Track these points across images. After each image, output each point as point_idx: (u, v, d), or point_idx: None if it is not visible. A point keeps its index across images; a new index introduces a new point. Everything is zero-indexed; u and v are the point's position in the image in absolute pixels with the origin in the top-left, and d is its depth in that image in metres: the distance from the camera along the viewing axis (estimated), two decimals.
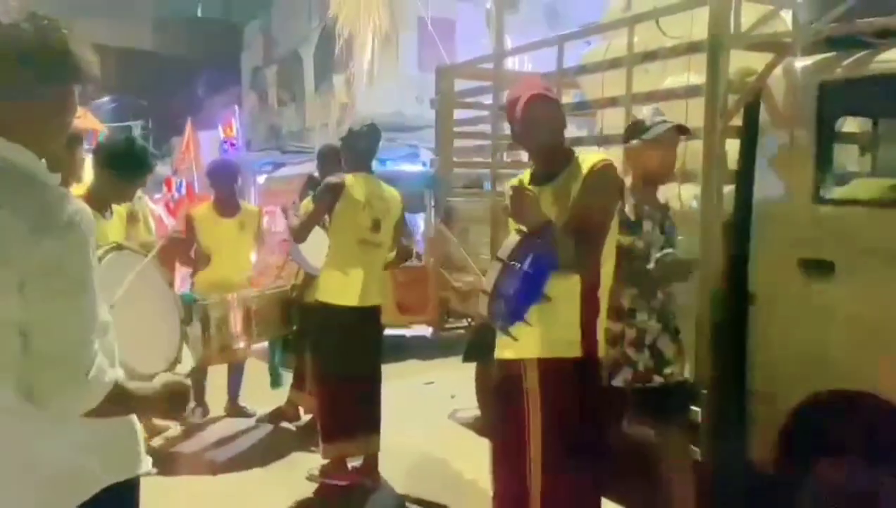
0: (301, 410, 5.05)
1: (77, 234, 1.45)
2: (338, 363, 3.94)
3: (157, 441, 4.67)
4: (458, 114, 5.04)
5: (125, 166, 3.10)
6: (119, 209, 3.20)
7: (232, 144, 16.52)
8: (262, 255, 6.12)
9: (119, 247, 2.29)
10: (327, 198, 3.85)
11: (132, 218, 3.87)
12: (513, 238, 2.34)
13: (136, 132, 21.36)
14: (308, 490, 3.96)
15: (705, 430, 3.12)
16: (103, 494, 1.61)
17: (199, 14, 25.39)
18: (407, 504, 3.89)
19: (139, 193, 5.42)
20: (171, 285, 2.46)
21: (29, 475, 1.54)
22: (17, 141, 1.47)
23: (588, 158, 2.46)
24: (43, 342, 1.42)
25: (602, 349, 2.53)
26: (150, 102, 24.73)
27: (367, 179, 3.97)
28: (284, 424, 5.05)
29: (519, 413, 2.48)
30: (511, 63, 7.15)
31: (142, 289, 2.19)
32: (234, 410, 5.26)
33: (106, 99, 24.09)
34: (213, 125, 17.39)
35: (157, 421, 4.79)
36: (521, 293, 2.25)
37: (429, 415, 5.25)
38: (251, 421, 5.12)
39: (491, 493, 2.68)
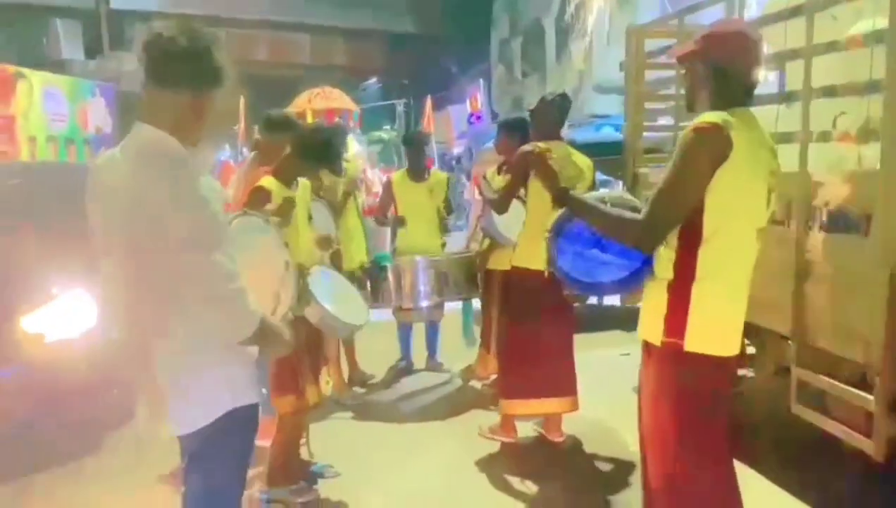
0: (488, 370, 5.30)
1: (208, 203, 1.86)
2: (525, 325, 4.06)
3: (358, 389, 5.24)
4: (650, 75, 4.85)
5: (313, 156, 3.58)
6: (304, 181, 3.65)
7: (478, 117, 17.16)
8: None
9: (244, 213, 2.72)
10: (522, 169, 3.91)
11: (328, 190, 4.40)
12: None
13: (400, 109, 23.17)
14: (478, 445, 4.19)
15: (880, 419, 2.78)
16: (226, 416, 1.99)
17: None
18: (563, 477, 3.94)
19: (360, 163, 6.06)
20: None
21: (168, 388, 1.96)
22: (165, 129, 1.90)
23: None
24: (203, 289, 1.83)
25: (712, 345, 2.17)
26: (410, 81, 26.47)
27: (557, 147, 3.99)
28: (473, 382, 5.35)
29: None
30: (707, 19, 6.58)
31: (265, 247, 2.63)
32: (432, 365, 5.70)
33: (373, 80, 26.37)
34: (465, 100, 18.19)
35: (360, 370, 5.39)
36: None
37: (617, 387, 5.15)
38: (445, 377, 5.51)
39: None
